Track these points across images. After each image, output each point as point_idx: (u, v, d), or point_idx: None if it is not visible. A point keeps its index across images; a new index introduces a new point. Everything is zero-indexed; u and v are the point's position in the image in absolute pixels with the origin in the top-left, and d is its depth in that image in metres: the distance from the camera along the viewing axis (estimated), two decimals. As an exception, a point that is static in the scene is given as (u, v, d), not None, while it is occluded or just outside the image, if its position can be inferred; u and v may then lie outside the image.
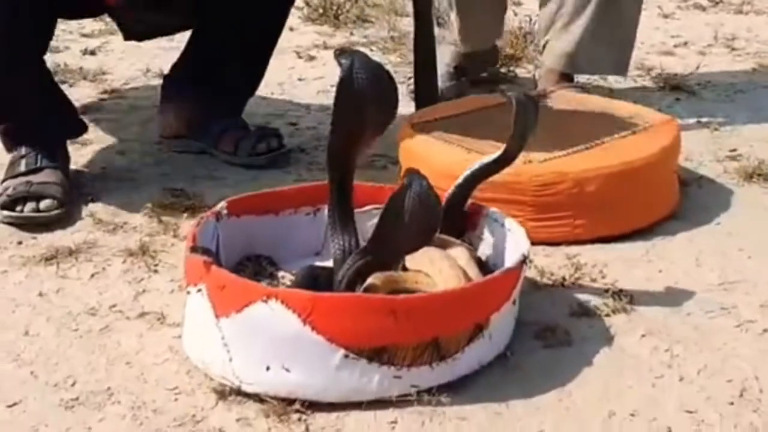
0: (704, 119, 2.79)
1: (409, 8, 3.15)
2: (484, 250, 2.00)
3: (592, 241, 2.17)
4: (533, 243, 1.92)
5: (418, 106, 2.67)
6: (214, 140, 2.57)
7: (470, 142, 2.29)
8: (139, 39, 2.67)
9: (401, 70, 3.13)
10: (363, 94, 1.76)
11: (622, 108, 2.54)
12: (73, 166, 2.49)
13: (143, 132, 2.72)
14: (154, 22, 2.52)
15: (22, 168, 2.33)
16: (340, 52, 1.80)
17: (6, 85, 2.27)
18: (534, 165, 2.18)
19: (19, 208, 2.25)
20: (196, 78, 2.57)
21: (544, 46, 2.86)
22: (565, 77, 2.86)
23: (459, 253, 1.90)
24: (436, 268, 1.83)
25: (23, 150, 2.35)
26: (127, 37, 2.62)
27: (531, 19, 3.36)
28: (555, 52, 2.82)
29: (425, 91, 2.72)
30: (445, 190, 1.97)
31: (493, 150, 2.01)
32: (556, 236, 2.18)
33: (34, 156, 2.34)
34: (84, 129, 2.52)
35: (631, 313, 1.93)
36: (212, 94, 2.56)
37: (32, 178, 2.30)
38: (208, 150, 2.59)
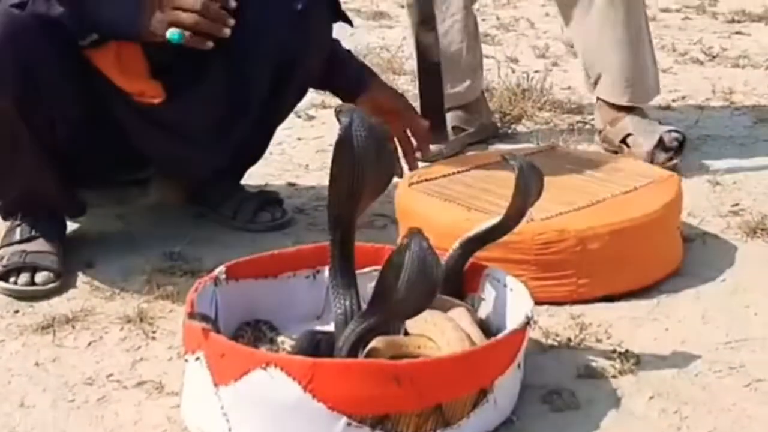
0: (705, 174, 2.78)
1: (407, 67, 3.16)
2: (486, 310, 1.98)
3: (597, 300, 2.15)
4: (536, 302, 1.89)
5: (423, 112, 2.65)
6: (213, 206, 2.55)
7: (470, 200, 2.27)
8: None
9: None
10: (361, 153, 1.74)
11: (623, 163, 2.52)
12: (70, 231, 2.46)
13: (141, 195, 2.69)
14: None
15: (17, 236, 2.29)
16: (340, 110, 1.79)
17: (6, 163, 2.23)
18: (536, 223, 2.16)
19: (12, 279, 2.22)
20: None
21: (596, 81, 2.85)
22: (625, 109, 2.86)
23: (461, 315, 1.88)
24: (439, 332, 1.80)
25: (18, 218, 2.33)
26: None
27: (528, 76, 3.37)
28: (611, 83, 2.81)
29: (430, 98, 2.71)
30: (446, 250, 1.95)
31: (495, 208, 1.98)
32: (560, 295, 2.15)
33: (30, 224, 2.30)
34: (82, 212, 2.44)
35: (638, 374, 1.90)
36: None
37: (27, 247, 2.27)
38: (206, 214, 2.56)
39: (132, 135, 2.33)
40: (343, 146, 1.76)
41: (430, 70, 2.71)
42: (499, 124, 3.12)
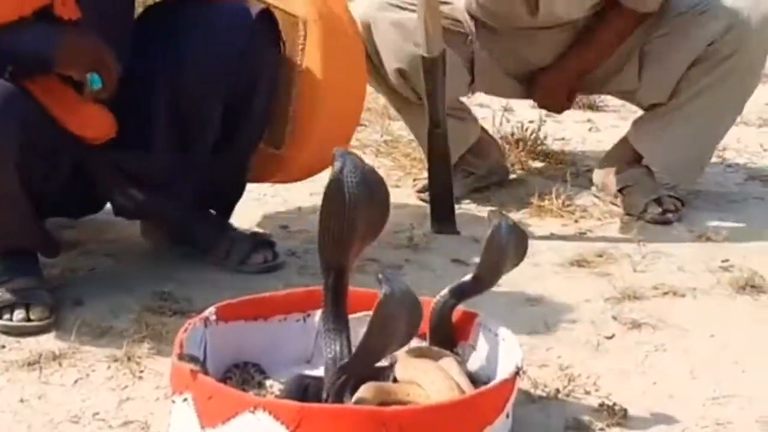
0: (696, 229, 2.79)
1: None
2: (477, 359, 1.97)
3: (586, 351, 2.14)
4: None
5: (431, 204, 2.72)
6: (204, 247, 2.54)
7: None
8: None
9: (394, 173, 3.13)
10: (353, 198, 1.75)
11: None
12: (59, 268, 2.46)
13: (132, 233, 2.69)
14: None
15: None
16: (333, 154, 1.80)
17: None
18: None
19: (7, 316, 2.20)
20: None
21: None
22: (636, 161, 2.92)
23: (450, 364, 1.87)
24: (429, 380, 1.79)
25: None
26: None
27: (523, 126, 3.38)
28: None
29: (440, 191, 2.75)
30: None
31: None
32: None
33: (10, 264, 2.27)
34: (57, 251, 2.42)
35: (625, 427, 1.89)
36: (198, 198, 2.49)
37: (13, 285, 2.24)
38: (196, 255, 2.55)
39: (90, 177, 2.35)
40: (333, 191, 1.76)
41: (439, 166, 2.75)
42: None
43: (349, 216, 1.75)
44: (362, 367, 1.75)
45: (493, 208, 2.18)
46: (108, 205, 2.52)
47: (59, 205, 2.39)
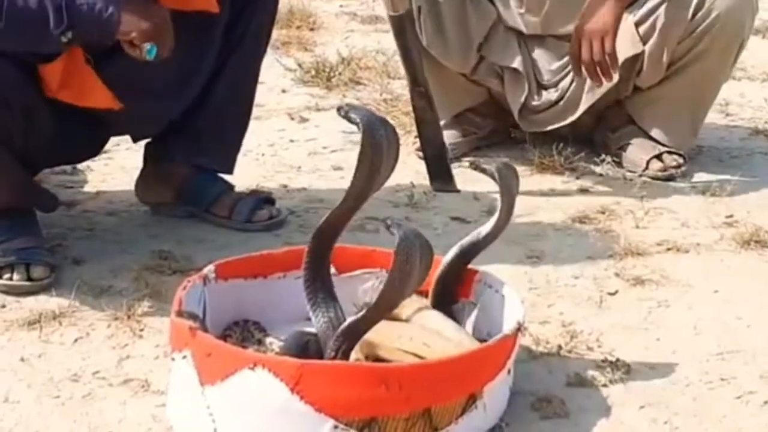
0: (700, 185, 2.77)
1: (402, 71, 3.15)
2: (478, 316, 1.96)
3: (588, 308, 2.13)
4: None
5: (426, 163, 2.69)
6: (207, 205, 2.52)
7: None
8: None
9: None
10: (381, 146, 1.77)
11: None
12: (59, 228, 2.44)
13: (132, 193, 2.68)
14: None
15: None
16: (348, 108, 1.79)
17: None
18: None
19: (7, 275, 2.19)
20: (182, 136, 2.49)
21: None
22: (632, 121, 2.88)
23: (446, 323, 1.87)
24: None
25: None
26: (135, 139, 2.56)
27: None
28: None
29: (432, 151, 2.73)
30: None
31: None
32: None
33: (6, 223, 2.25)
34: (55, 205, 2.39)
35: (628, 383, 1.88)
36: (201, 151, 2.49)
37: (11, 245, 2.22)
38: (198, 214, 2.54)
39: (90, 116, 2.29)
40: (367, 139, 1.78)
41: (426, 124, 2.73)
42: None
43: (377, 163, 1.77)
44: (376, 319, 1.73)
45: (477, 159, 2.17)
46: (106, 165, 2.49)
47: (54, 153, 2.34)
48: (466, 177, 2.77)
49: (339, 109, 1.82)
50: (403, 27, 2.66)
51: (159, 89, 2.35)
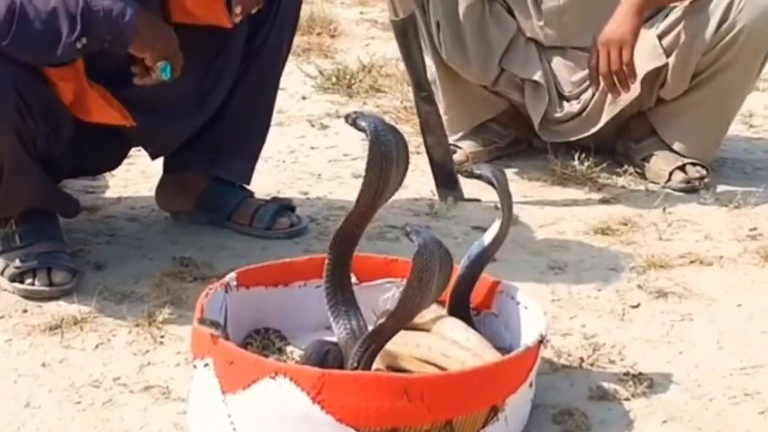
0: (723, 197, 2.75)
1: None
2: (500, 327, 1.95)
3: (610, 320, 2.12)
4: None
5: (433, 171, 2.67)
6: (227, 213, 2.52)
7: None
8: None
9: (414, 139, 3.09)
10: (389, 153, 1.77)
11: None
12: (81, 233, 2.45)
13: (153, 199, 2.68)
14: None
15: (18, 241, 2.23)
16: (356, 115, 1.79)
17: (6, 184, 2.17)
18: None
19: (29, 280, 2.19)
20: (201, 147, 2.47)
21: None
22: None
23: (468, 332, 1.86)
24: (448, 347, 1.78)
25: (12, 224, 2.24)
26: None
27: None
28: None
29: (437, 157, 2.71)
30: None
31: None
32: None
33: (29, 228, 2.24)
34: (77, 210, 2.39)
35: (651, 397, 1.87)
36: (219, 162, 2.48)
37: (33, 249, 2.22)
38: (218, 220, 2.53)
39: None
40: (374, 147, 1.77)
41: (431, 130, 2.72)
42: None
43: (385, 170, 1.76)
44: (396, 328, 1.73)
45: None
46: (128, 170, 2.49)
47: (76, 162, 2.35)
48: (483, 185, 2.75)
49: (347, 116, 1.82)
50: (405, 31, 2.64)
51: (176, 109, 2.35)
